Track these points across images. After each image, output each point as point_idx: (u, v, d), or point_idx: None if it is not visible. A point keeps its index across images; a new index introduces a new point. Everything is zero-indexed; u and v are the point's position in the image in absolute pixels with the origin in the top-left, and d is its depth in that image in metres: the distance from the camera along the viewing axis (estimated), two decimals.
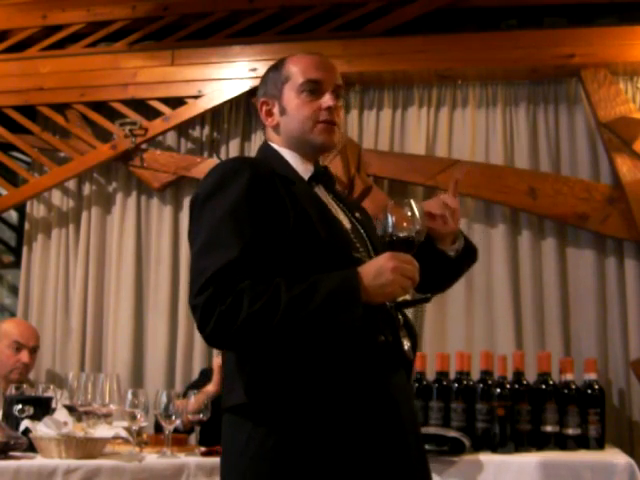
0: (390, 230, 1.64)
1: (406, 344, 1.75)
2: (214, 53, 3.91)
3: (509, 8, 3.81)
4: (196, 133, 4.05)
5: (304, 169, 1.81)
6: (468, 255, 1.94)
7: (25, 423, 2.55)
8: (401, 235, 1.64)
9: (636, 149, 3.46)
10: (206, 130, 4.03)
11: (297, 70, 1.82)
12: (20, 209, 4.25)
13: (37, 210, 4.14)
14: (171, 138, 4.06)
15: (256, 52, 3.84)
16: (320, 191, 1.83)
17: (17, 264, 4.20)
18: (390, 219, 1.64)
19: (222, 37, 3.93)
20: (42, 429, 2.50)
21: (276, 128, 1.83)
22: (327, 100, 1.78)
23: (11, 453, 2.45)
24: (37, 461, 2.42)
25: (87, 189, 4.10)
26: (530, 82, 3.76)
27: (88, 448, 2.46)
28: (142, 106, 3.98)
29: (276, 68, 1.87)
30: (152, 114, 3.98)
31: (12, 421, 2.60)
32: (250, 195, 1.64)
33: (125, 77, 3.97)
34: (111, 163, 4.04)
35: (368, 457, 1.63)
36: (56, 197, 4.13)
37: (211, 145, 4.01)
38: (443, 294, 3.70)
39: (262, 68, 3.78)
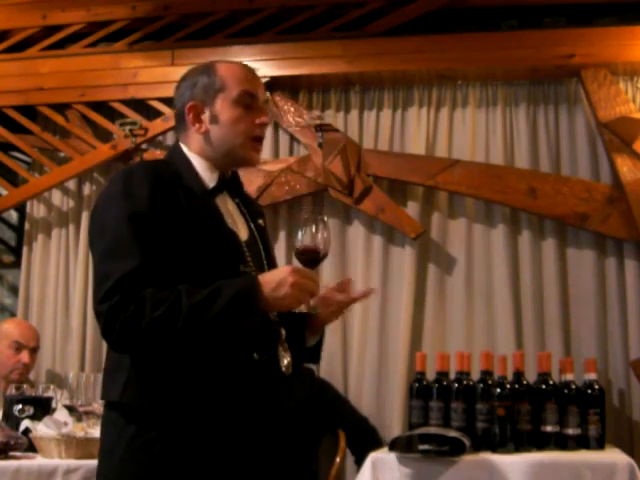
0: (299, 244, 1.71)
1: (285, 359, 1.77)
2: (214, 53, 3.89)
3: (509, 8, 3.81)
4: None
5: (210, 178, 1.80)
6: (312, 353, 1.92)
7: (25, 423, 2.55)
8: (307, 251, 1.70)
9: (636, 149, 3.46)
10: None
11: (231, 80, 1.80)
12: (20, 209, 4.25)
13: (37, 210, 4.13)
14: (171, 138, 4.05)
15: (256, 52, 3.84)
16: (223, 200, 1.83)
17: (17, 264, 4.20)
18: (300, 234, 1.71)
19: (222, 37, 3.93)
20: (42, 429, 2.50)
21: (204, 135, 1.81)
22: (262, 117, 1.80)
23: (11, 453, 2.45)
24: (37, 461, 2.43)
25: (87, 189, 4.10)
26: (530, 82, 3.76)
27: (88, 448, 2.46)
28: (142, 106, 3.98)
29: (206, 74, 1.83)
30: (152, 114, 3.98)
31: (12, 421, 2.60)
32: (152, 202, 1.65)
33: (125, 77, 3.96)
34: (111, 163, 4.03)
35: (220, 465, 1.66)
36: (56, 197, 4.13)
37: None
38: (444, 294, 3.75)
39: (262, 68, 3.79)
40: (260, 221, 1.91)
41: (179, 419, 1.64)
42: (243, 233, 1.82)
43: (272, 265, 1.85)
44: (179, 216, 1.67)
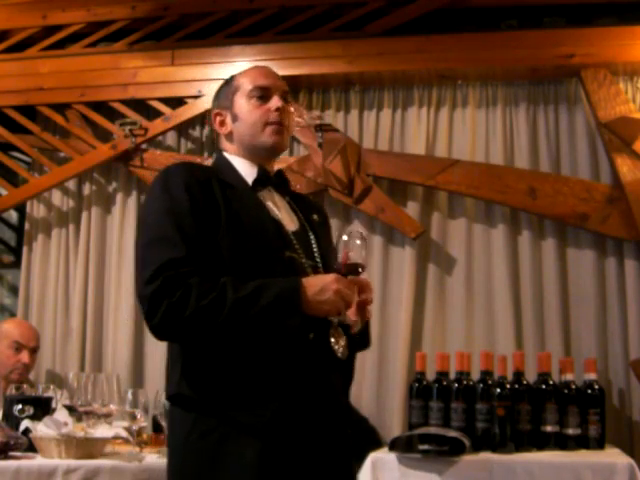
0: (340, 260, 1.78)
1: (340, 343, 1.80)
2: (214, 53, 3.90)
3: (509, 8, 3.81)
4: (196, 133, 4.05)
5: (249, 173, 1.89)
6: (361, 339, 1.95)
7: (25, 423, 2.55)
8: (347, 263, 1.78)
9: (636, 149, 3.46)
10: (206, 130, 4.03)
11: (246, 80, 1.93)
12: (20, 209, 4.25)
13: (37, 210, 4.13)
14: (171, 138, 4.06)
15: (256, 52, 3.84)
16: (269, 195, 1.90)
17: (17, 264, 4.20)
18: (340, 252, 1.78)
19: (222, 37, 3.93)
20: (42, 429, 2.49)
21: (229, 136, 1.93)
22: (275, 102, 1.89)
23: (11, 453, 2.45)
24: (37, 461, 2.42)
25: (87, 189, 4.10)
26: (530, 82, 3.76)
27: (88, 448, 2.46)
28: (142, 106, 3.98)
29: (226, 83, 1.98)
30: (152, 114, 3.98)
31: (12, 421, 2.60)
32: (188, 196, 1.74)
33: (125, 77, 3.97)
34: (111, 163, 4.04)
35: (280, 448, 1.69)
36: (56, 197, 4.13)
37: (211, 145, 4.01)
38: (444, 294, 3.75)
39: None
40: (315, 216, 1.98)
41: (235, 405, 1.67)
42: (291, 225, 1.88)
43: (325, 258, 1.88)
44: (215, 209, 1.74)
